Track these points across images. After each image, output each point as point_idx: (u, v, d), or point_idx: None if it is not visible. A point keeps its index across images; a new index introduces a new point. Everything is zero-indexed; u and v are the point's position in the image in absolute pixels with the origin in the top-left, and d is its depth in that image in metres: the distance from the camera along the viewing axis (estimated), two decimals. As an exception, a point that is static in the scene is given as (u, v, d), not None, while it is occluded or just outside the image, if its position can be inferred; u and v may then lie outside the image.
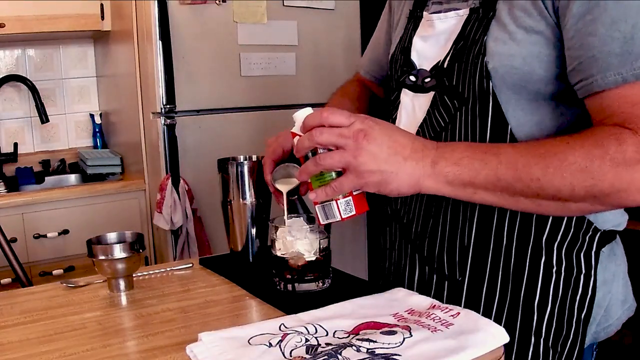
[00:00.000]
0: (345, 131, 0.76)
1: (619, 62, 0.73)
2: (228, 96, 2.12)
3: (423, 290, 0.96)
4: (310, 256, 0.92)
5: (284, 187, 0.98)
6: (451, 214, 0.92)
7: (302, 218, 0.96)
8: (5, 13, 2.15)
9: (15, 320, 0.87)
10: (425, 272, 0.97)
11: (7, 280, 1.95)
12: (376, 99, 1.23)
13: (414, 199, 0.97)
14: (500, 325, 0.85)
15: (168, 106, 1.98)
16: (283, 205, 0.97)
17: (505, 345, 0.87)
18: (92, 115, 2.66)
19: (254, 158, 1.09)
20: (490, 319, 0.85)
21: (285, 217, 0.96)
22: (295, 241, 0.92)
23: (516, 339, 0.89)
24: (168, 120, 1.99)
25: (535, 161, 0.74)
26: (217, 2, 2.02)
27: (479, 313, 0.83)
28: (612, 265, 0.92)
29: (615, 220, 0.90)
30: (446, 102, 0.89)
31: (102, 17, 2.30)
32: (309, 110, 0.83)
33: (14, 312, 0.90)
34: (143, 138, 2.15)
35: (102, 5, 2.29)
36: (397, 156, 0.77)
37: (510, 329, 0.88)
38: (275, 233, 0.94)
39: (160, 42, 1.94)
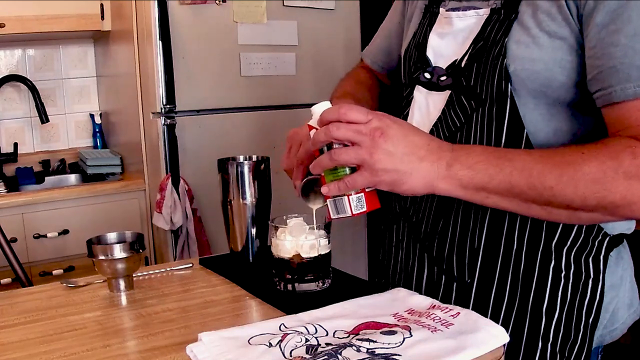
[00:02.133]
0: (362, 128, 0.76)
1: (639, 75, 0.73)
2: (228, 96, 2.12)
3: (431, 290, 0.96)
4: (310, 256, 0.92)
5: (314, 205, 0.96)
6: (462, 216, 0.91)
7: (302, 218, 0.96)
8: (5, 13, 2.14)
9: (15, 320, 0.87)
10: (434, 273, 0.96)
11: (7, 280, 1.94)
12: (387, 91, 1.22)
13: (424, 198, 0.96)
14: (508, 329, 0.86)
15: (168, 106, 1.97)
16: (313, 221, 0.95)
17: (511, 350, 0.87)
18: (92, 115, 2.66)
19: (254, 158, 1.09)
20: (498, 322, 0.84)
21: (315, 229, 0.94)
22: (295, 241, 0.92)
23: (523, 344, 0.88)
24: (168, 120, 1.99)
25: (550, 169, 0.74)
26: (217, 2, 2.02)
27: (487, 316, 0.82)
28: (619, 269, 0.92)
29: (625, 225, 0.91)
30: (463, 102, 0.88)
31: (102, 17, 2.30)
32: (327, 104, 0.83)
33: (14, 312, 0.90)
34: (143, 138, 2.15)
35: (102, 5, 2.29)
36: (412, 156, 0.76)
37: (517, 334, 0.88)
38: (275, 233, 0.94)
39: (160, 42, 1.94)
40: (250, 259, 1.06)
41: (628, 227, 0.92)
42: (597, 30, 0.76)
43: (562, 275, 0.87)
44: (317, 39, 2.26)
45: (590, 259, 0.88)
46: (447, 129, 0.91)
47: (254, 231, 1.05)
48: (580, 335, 0.88)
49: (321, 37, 2.27)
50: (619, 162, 0.72)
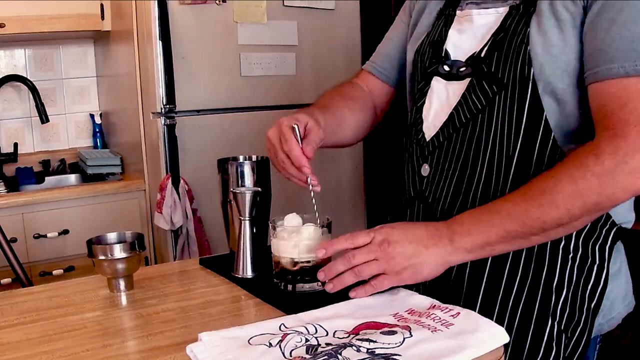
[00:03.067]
0: (371, 247, 0.87)
1: (623, 57, 0.81)
2: (228, 96, 2.12)
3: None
4: (310, 256, 0.92)
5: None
6: (482, 191, 0.94)
7: (302, 218, 0.96)
8: (5, 13, 2.14)
9: (15, 320, 0.87)
10: None
11: (7, 280, 1.94)
12: (382, 104, 1.22)
13: (442, 177, 0.99)
14: (520, 303, 0.92)
15: (168, 106, 1.97)
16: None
17: (522, 325, 0.91)
18: (92, 115, 2.66)
19: (254, 158, 1.09)
20: (511, 296, 0.92)
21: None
22: (295, 241, 0.92)
23: (534, 319, 0.91)
24: (168, 120, 1.99)
25: (530, 204, 0.83)
26: (217, 2, 2.02)
27: (500, 290, 0.92)
28: (618, 262, 0.96)
29: (623, 213, 0.94)
30: (484, 86, 0.93)
31: (102, 17, 2.30)
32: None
33: (14, 312, 0.91)
34: (143, 138, 2.15)
35: (102, 5, 2.29)
36: (419, 247, 0.86)
37: (529, 309, 0.92)
38: (275, 233, 0.94)
39: (160, 42, 1.94)
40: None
41: (626, 219, 0.95)
42: (592, 18, 0.84)
43: (570, 256, 0.91)
44: (317, 39, 2.26)
45: (597, 247, 0.92)
46: (468, 112, 0.95)
47: (254, 231, 1.05)
48: (584, 317, 0.91)
49: (321, 37, 2.27)
50: (585, 168, 0.80)
